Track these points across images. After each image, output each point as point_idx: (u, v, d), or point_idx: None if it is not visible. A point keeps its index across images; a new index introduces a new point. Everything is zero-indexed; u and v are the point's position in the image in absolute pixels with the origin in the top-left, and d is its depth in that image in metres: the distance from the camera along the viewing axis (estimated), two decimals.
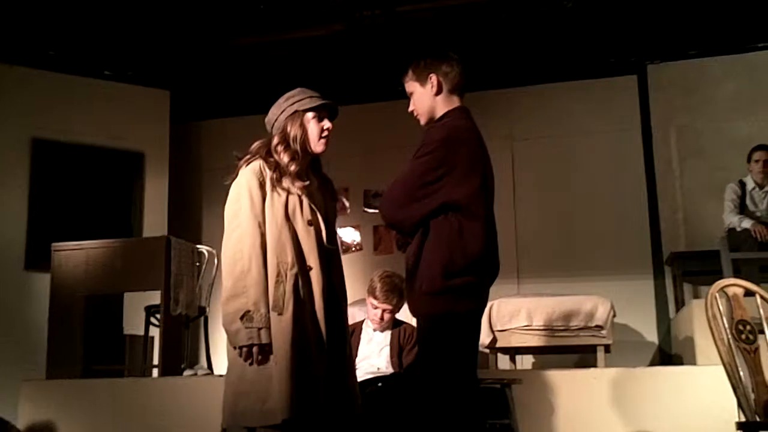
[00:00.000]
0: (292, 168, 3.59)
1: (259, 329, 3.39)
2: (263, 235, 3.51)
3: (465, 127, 3.61)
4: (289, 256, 3.51)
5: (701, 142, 8.26)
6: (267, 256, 3.49)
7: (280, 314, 3.43)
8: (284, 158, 3.61)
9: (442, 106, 3.68)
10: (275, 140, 3.67)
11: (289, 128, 3.65)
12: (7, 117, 8.13)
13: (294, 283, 3.48)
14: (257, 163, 3.60)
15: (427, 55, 3.75)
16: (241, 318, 3.38)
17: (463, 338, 3.49)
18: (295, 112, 3.66)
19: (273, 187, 3.57)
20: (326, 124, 3.70)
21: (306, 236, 3.58)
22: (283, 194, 3.57)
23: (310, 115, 3.67)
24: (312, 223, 3.60)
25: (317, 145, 3.68)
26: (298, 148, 3.62)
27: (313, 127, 3.67)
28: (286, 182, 3.58)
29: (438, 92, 3.67)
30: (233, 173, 3.65)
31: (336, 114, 3.78)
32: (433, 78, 3.67)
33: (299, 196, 3.60)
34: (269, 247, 3.50)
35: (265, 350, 3.41)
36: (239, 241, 3.48)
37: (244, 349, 3.39)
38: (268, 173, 3.58)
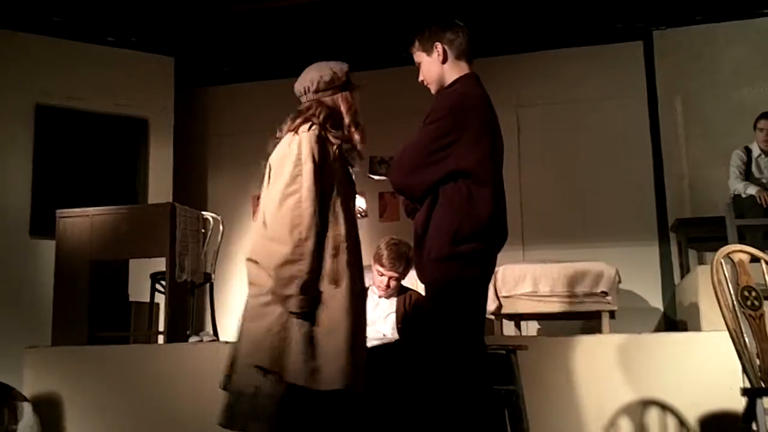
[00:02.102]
0: (360, 147, 3.66)
1: (310, 300, 3.41)
2: (322, 206, 3.51)
3: (475, 93, 3.61)
4: (344, 229, 3.54)
5: (707, 108, 8.22)
6: (324, 227, 3.51)
7: (336, 286, 3.46)
8: (356, 136, 3.68)
9: (450, 73, 3.67)
10: (344, 110, 3.71)
11: (343, 100, 3.71)
12: (10, 84, 8.12)
13: (348, 255, 3.52)
14: (319, 130, 3.59)
15: (431, 23, 3.74)
16: (297, 285, 3.39)
17: (471, 305, 3.50)
18: (354, 87, 3.76)
19: (333, 158, 3.59)
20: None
21: (352, 208, 3.66)
22: (339, 166, 3.61)
23: (347, 93, 3.76)
24: (355, 195, 3.69)
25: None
26: (348, 119, 3.69)
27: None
28: (348, 154, 3.65)
29: (444, 60, 3.67)
30: (289, 127, 3.63)
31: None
32: (439, 46, 3.67)
33: (348, 169, 3.66)
34: (323, 218, 3.51)
35: (309, 319, 3.43)
36: (298, 207, 3.44)
37: (295, 316, 3.41)
38: (328, 142, 3.59)
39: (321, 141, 3.55)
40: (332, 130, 3.60)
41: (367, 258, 5.09)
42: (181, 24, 8.56)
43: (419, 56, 3.75)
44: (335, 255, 3.49)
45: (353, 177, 3.76)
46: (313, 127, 3.57)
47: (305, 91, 3.73)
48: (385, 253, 4.93)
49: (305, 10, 8.20)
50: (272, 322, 3.45)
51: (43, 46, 8.34)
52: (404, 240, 4.96)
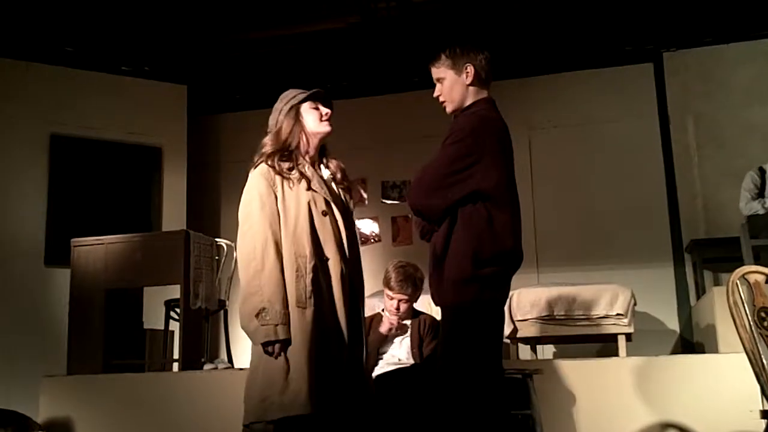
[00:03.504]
0: (285, 166, 3.65)
1: (276, 325, 3.41)
2: (275, 234, 3.54)
3: (493, 117, 3.61)
4: (307, 249, 3.54)
5: (718, 128, 8.22)
6: (284, 252, 3.52)
7: (303, 309, 3.46)
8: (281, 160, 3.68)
9: (472, 95, 3.66)
10: (269, 136, 3.76)
11: (285, 124, 3.73)
12: (25, 113, 8.19)
13: (313, 276, 3.51)
14: (265, 163, 3.66)
15: (461, 42, 3.73)
16: (257, 316, 3.42)
17: (491, 327, 3.49)
18: (291, 107, 3.75)
19: (283, 183, 3.61)
20: (323, 110, 3.79)
21: (322, 227, 3.61)
22: (295, 188, 3.61)
23: (306, 106, 3.77)
24: (326, 213, 3.62)
25: (321, 126, 3.77)
26: (293, 139, 3.70)
27: (311, 114, 3.76)
28: (295, 175, 3.63)
29: (472, 83, 3.65)
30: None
31: (330, 102, 3.85)
32: (470, 68, 3.64)
33: (312, 189, 3.63)
34: (286, 243, 3.53)
35: (285, 345, 3.43)
36: (251, 242, 3.53)
37: (267, 347, 3.42)
38: (275, 172, 3.63)
39: (267, 173, 3.63)
40: (280, 161, 3.66)
41: (380, 284, 5.11)
42: (194, 53, 8.64)
43: (444, 72, 3.69)
44: (298, 277, 3.49)
45: (332, 194, 3.73)
46: (260, 163, 3.68)
47: (272, 131, 3.81)
48: (392, 275, 4.91)
49: (317, 37, 8.26)
50: (254, 360, 3.54)
51: (57, 76, 8.41)
52: (411, 262, 4.96)
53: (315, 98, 3.79)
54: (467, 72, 3.64)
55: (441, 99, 3.74)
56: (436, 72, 3.73)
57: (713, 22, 8.17)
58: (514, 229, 3.52)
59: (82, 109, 8.47)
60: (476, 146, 3.46)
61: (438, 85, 3.73)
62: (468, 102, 3.66)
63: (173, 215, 8.71)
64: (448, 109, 3.72)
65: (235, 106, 9.61)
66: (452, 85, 3.68)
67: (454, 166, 3.46)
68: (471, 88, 3.66)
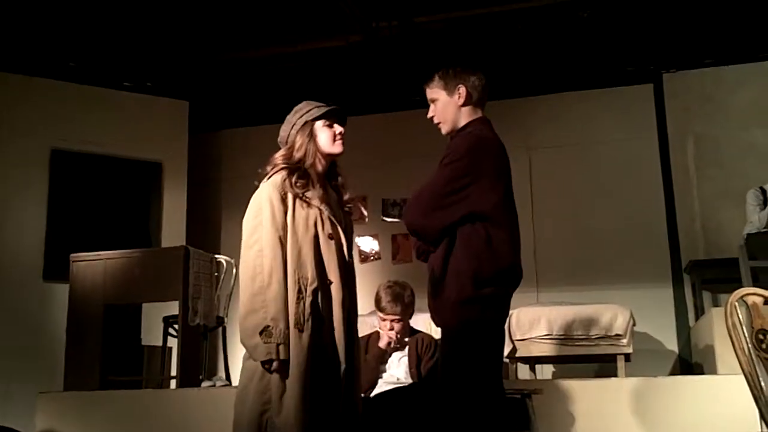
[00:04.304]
0: (300, 184, 3.59)
1: (278, 344, 3.37)
2: (284, 250, 3.49)
3: (489, 137, 3.63)
4: (310, 272, 3.50)
5: (718, 150, 8.24)
6: (288, 271, 3.48)
7: (301, 331, 3.43)
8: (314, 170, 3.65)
9: (465, 116, 3.69)
10: (282, 151, 3.70)
11: (297, 139, 3.67)
12: (26, 128, 8.19)
13: (313, 299, 3.48)
14: (279, 176, 3.59)
15: (456, 64, 3.76)
16: (260, 333, 3.37)
17: (491, 347, 3.49)
18: (305, 123, 3.68)
19: (295, 200, 3.56)
20: (337, 128, 3.73)
21: (327, 250, 3.58)
22: (305, 207, 3.57)
23: (319, 123, 3.70)
24: (333, 236, 3.60)
25: (333, 147, 3.71)
26: (307, 157, 3.64)
27: (324, 132, 3.70)
28: (309, 195, 3.59)
29: (465, 104, 3.68)
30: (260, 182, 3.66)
31: (345, 119, 3.79)
32: (462, 89, 3.68)
33: (320, 209, 3.59)
34: (290, 262, 3.48)
35: (285, 365, 3.39)
36: (259, 256, 3.46)
37: (266, 365, 3.39)
38: (290, 188, 3.57)
39: (281, 186, 3.56)
40: (293, 176, 3.59)
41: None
42: (196, 69, 8.66)
43: (438, 93, 3.74)
44: (299, 299, 3.45)
45: (336, 216, 3.69)
46: (274, 175, 3.61)
47: (282, 143, 3.77)
48: (382, 296, 4.91)
49: (319, 55, 8.29)
50: (246, 377, 3.49)
51: (59, 90, 8.41)
52: (400, 281, 4.96)
53: (330, 115, 3.73)
54: (459, 93, 3.68)
55: (435, 120, 3.78)
56: (430, 93, 3.78)
57: (713, 44, 8.20)
58: (514, 248, 3.52)
59: (83, 124, 8.47)
60: (472, 167, 3.47)
61: (432, 106, 3.78)
62: (462, 123, 3.69)
63: (173, 231, 8.70)
64: (443, 130, 3.76)
65: (237, 123, 9.64)
66: (445, 105, 3.72)
67: (451, 186, 3.47)
68: (464, 108, 3.69)
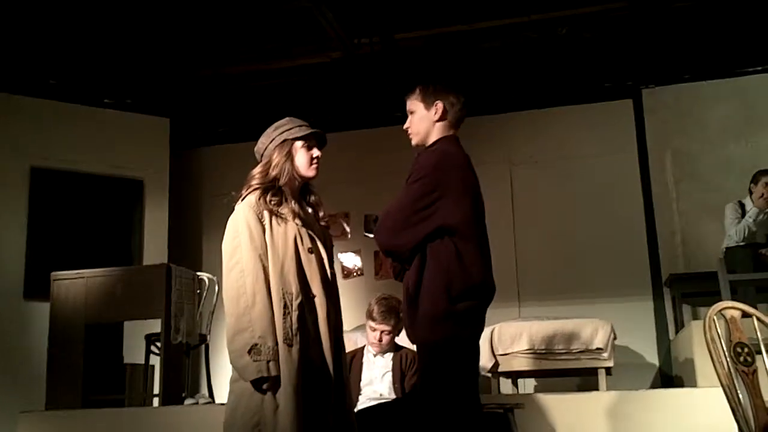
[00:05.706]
0: (274, 201, 3.58)
1: (268, 362, 3.35)
2: (265, 268, 3.48)
3: (454, 152, 3.68)
4: (293, 286, 3.49)
5: (696, 164, 8.31)
6: (271, 288, 3.47)
7: (290, 346, 3.43)
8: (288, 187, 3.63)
9: (437, 132, 3.75)
10: (258, 168, 3.68)
11: (274, 156, 3.66)
12: (5, 146, 8.14)
13: (300, 313, 3.47)
14: (253, 196, 3.59)
15: (437, 80, 3.81)
16: (249, 352, 3.35)
17: (466, 362, 3.51)
18: (284, 140, 3.67)
19: (271, 218, 3.56)
20: (315, 152, 3.71)
21: (308, 264, 3.57)
22: (282, 224, 3.57)
23: (299, 143, 3.68)
24: (312, 250, 3.60)
25: (308, 171, 3.69)
26: (282, 175, 3.63)
27: (302, 154, 3.68)
28: (284, 211, 3.60)
29: (439, 120, 3.73)
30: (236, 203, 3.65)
31: (325, 142, 3.78)
32: (439, 105, 3.74)
33: (297, 225, 3.60)
34: (273, 279, 3.47)
35: (276, 382, 3.38)
36: (241, 277, 3.45)
37: (257, 384, 3.37)
38: (265, 206, 3.56)
39: (256, 206, 3.54)
40: (267, 194, 3.58)
41: (363, 317, 5.13)
42: (176, 86, 8.66)
43: (416, 105, 3.80)
44: (286, 314, 3.44)
45: (315, 231, 3.68)
46: (249, 195, 3.60)
47: (260, 157, 3.76)
48: (375, 307, 4.97)
49: (300, 72, 8.32)
50: (234, 399, 3.46)
51: (39, 108, 8.37)
52: (395, 296, 5.00)
53: (310, 138, 3.71)
54: (436, 108, 3.75)
55: (409, 131, 3.83)
56: (409, 104, 3.84)
57: (691, 60, 8.31)
58: (484, 262, 3.56)
59: (63, 141, 8.43)
60: (440, 182, 3.52)
61: (409, 117, 3.83)
62: (432, 138, 3.75)
63: (155, 249, 8.67)
64: (413, 141, 3.82)
65: (218, 140, 9.62)
66: (420, 119, 3.79)
67: (419, 203, 3.51)
68: (438, 124, 3.75)
